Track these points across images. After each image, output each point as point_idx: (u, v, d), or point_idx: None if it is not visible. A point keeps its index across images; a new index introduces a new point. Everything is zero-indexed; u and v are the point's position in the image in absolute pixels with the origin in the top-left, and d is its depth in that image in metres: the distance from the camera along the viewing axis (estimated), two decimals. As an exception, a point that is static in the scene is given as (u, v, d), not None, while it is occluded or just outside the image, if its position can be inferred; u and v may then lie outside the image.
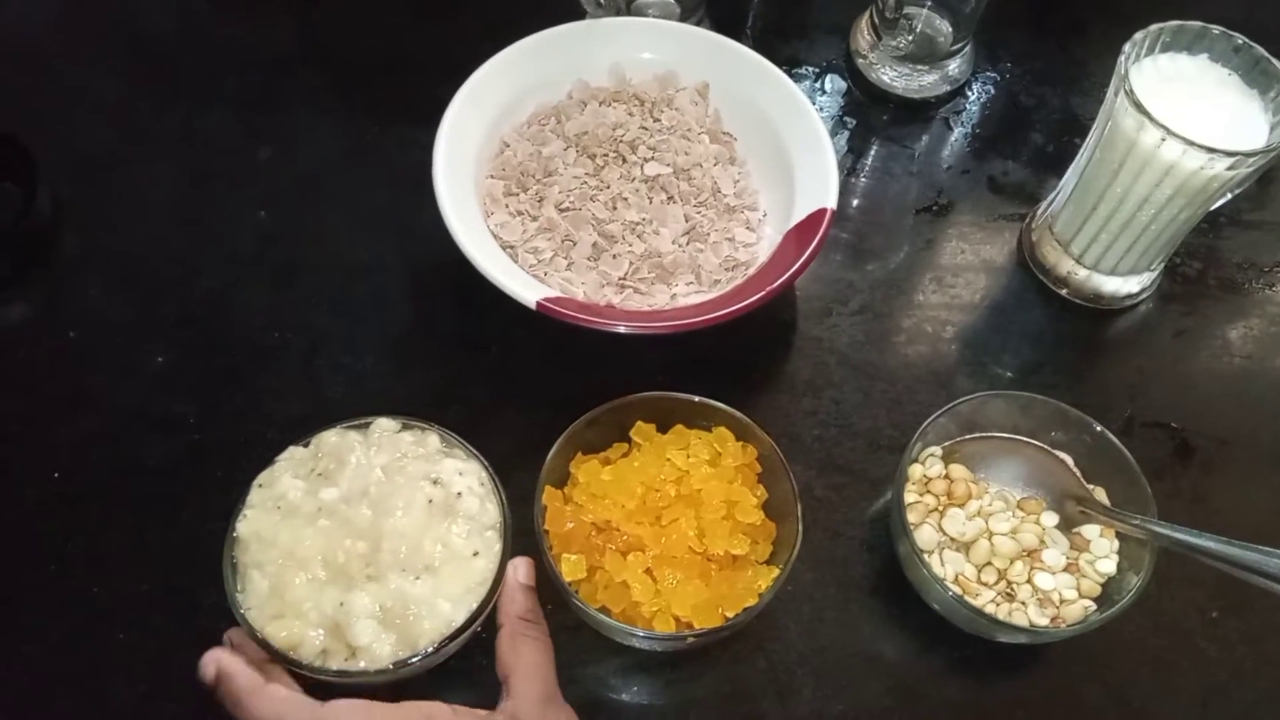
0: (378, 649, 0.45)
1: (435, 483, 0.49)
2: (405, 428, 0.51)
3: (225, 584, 0.46)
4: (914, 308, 0.64)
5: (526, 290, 0.55)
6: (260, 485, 0.48)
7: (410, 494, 0.48)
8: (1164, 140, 0.53)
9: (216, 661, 0.42)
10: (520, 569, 0.46)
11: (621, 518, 0.50)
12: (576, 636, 0.52)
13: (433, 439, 0.51)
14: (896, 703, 0.51)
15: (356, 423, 0.51)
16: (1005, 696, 0.52)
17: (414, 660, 0.45)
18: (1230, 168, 0.53)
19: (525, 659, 0.43)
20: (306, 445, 0.50)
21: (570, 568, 0.49)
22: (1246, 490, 0.59)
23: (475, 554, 0.48)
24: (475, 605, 0.46)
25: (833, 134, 0.71)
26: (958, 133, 0.73)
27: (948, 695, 0.52)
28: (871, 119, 0.73)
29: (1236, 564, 0.46)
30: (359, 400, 0.58)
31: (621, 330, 0.55)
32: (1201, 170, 0.53)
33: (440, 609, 0.46)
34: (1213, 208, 0.61)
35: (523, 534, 0.49)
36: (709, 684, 0.52)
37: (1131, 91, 0.54)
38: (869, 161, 0.71)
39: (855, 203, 0.69)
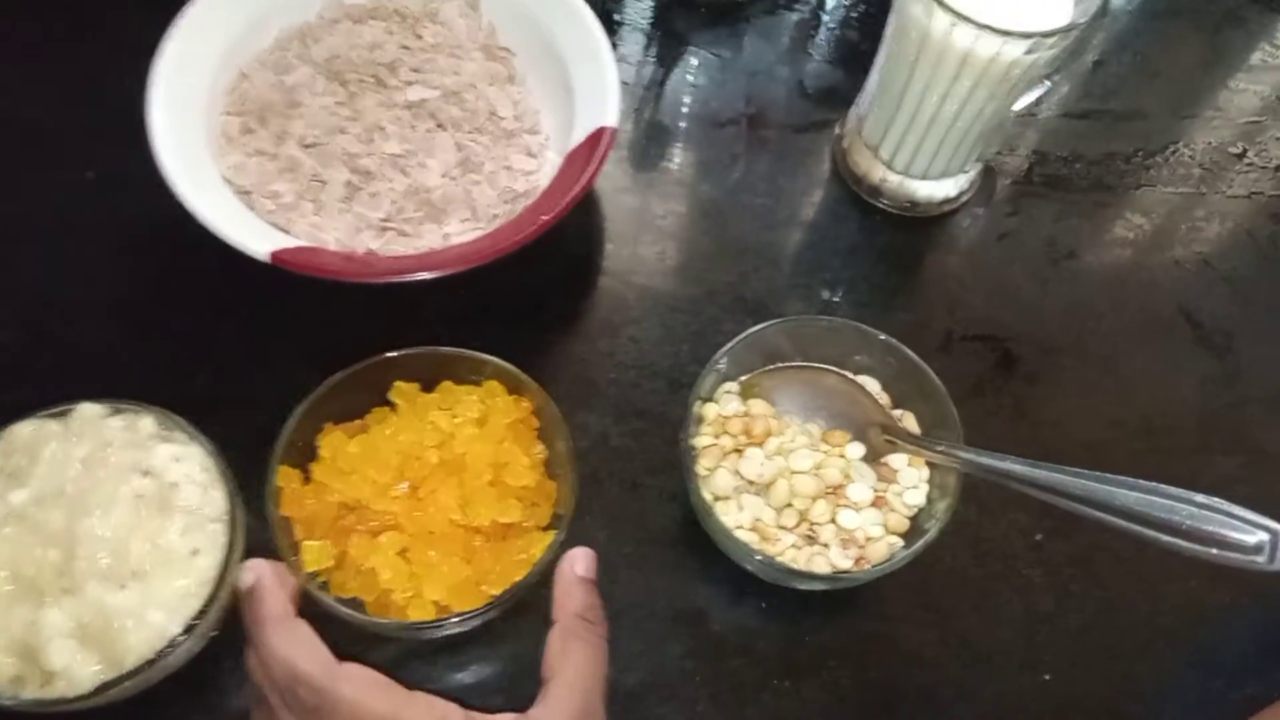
0: (77, 671, 0.39)
1: (146, 474, 0.42)
2: (115, 412, 0.44)
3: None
4: (720, 230, 0.59)
5: (259, 241, 0.48)
6: (-65, 492, 0.41)
7: (113, 489, 0.42)
8: (954, 26, 0.48)
9: (258, 575, 0.38)
10: (579, 561, 0.41)
11: (372, 494, 0.44)
12: (340, 624, 0.46)
13: (146, 423, 0.44)
14: (698, 664, 0.47)
15: (55, 410, 0.44)
16: (816, 645, 0.48)
17: (121, 681, 0.39)
18: (1029, 51, 0.48)
19: (572, 665, 0.37)
20: (-7, 442, 0.44)
21: (314, 555, 0.43)
22: (1073, 399, 0.56)
23: (195, 552, 0.42)
24: (197, 608, 0.41)
25: (643, 48, 0.65)
26: (769, 36, 0.66)
27: (756, 650, 0.48)
28: (678, 26, 0.67)
29: (1041, 486, 0.43)
30: (86, 380, 0.50)
31: (373, 282, 0.48)
32: (998, 56, 0.48)
33: (150, 620, 0.40)
34: (1031, 99, 0.57)
35: (265, 522, 0.43)
36: (491, 666, 0.47)
37: (922, -26, 0.48)
38: (676, 72, 0.65)
39: (660, 119, 0.63)
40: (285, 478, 0.44)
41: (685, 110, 0.63)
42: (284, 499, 0.44)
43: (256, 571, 0.39)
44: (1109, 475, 0.41)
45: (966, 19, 0.47)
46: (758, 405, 0.49)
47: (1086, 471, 0.42)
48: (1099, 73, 0.67)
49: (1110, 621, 0.50)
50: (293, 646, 0.36)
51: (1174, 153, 0.64)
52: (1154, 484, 0.40)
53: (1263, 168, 0.64)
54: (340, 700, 0.35)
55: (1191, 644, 0.50)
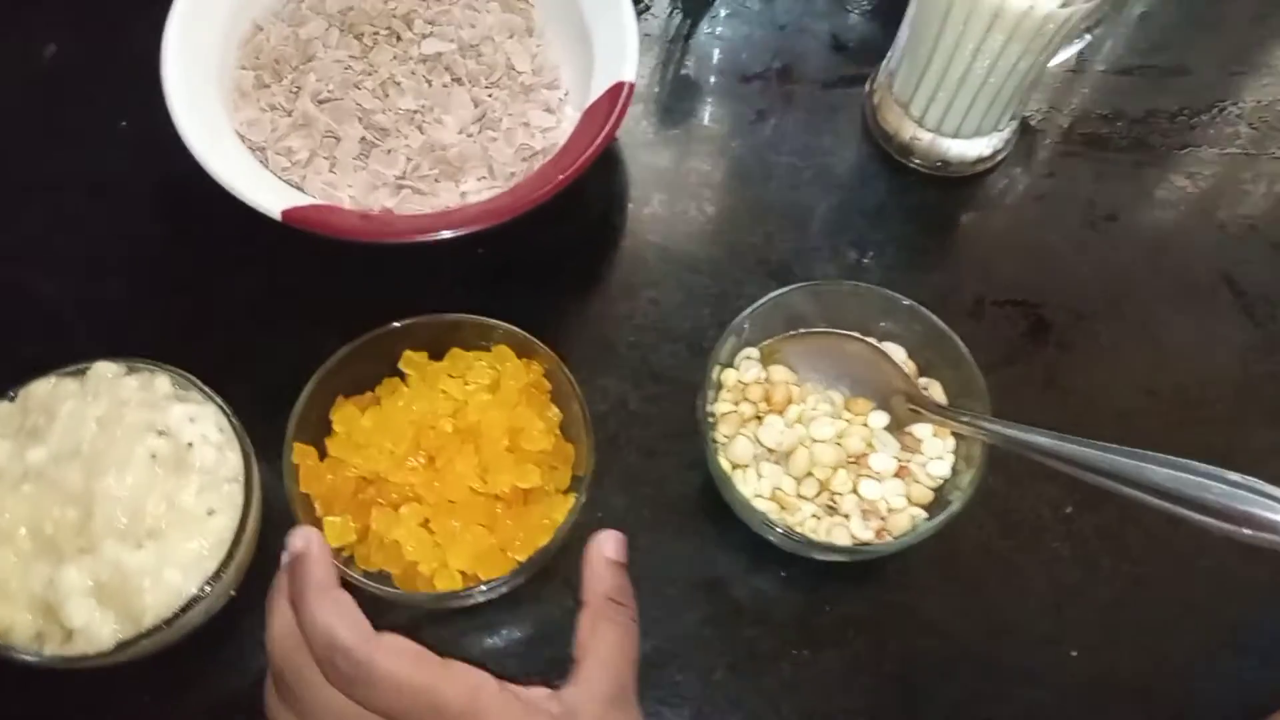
0: (96, 629, 0.40)
1: (161, 434, 0.42)
2: (130, 371, 0.44)
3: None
4: (744, 189, 0.57)
5: (273, 199, 0.47)
6: (-47, 450, 0.41)
7: (129, 448, 0.41)
8: (990, -24, 0.46)
9: (307, 542, 0.36)
10: (608, 544, 0.39)
11: (389, 466, 0.44)
12: (358, 590, 0.46)
13: (162, 382, 0.44)
14: (716, 631, 0.47)
15: (72, 369, 0.44)
16: (836, 615, 0.47)
17: (139, 639, 0.39)
18: (1064, 4, 0.46)
19: (604, 645, 0.37)
20: (13, 399, 0.44)
21: (335, 532, 0.43)
22: (1107, 368, 0.54)
23: (211, 512, 0.42)
24: (213, 568, 0.41)
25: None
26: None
27: (774, 618, 0.47)
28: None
29: (1067, 460, 0.41)
30: (99, 337, 0.51)
31: (389, 242, 0.47)
32: (1032, 10, 0.46)
33: (167, 579, 0.40)
34: (1069, 53, 0.54)
35: (280, 482, 0.43)
36: (509, 630, 0.47)
37: (958, -78, 0.46)
38: (703, 24, 0.63)
39: (685, 73, 0.61)
40: (301, 454, 0.43)
41: (711, 64, 0.61)
42: (302, 475, 0.43)
43: (307, 538, 0.37)
44: (1139, 450, 0.39)
45: (1003, -31, 0.45)
46: (778, 371, 0.48)
47: (1115, 446, 0.40)
48: (1144, 26, 0.64)
49: (1141, 597, 0.49)
50: (334, 616, 0.35)
51: (1221, 111, 0.61)
52: (1185, 460, 0.38)
53: (1315, 128, 0.62)
54: (377, 671, 0.34)
55: (1224, 622, 0.49)
